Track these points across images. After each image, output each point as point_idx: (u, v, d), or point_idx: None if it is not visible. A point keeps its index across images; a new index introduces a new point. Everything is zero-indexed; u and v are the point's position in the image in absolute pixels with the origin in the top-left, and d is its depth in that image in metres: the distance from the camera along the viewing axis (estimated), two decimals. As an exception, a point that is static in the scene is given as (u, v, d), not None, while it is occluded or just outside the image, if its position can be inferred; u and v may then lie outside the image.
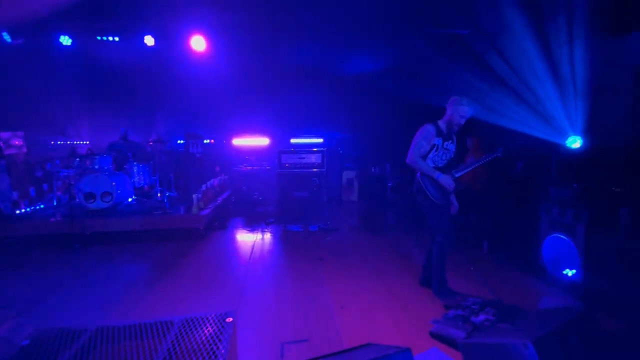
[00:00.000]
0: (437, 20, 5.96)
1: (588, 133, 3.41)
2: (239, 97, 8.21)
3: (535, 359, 1.58)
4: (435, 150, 2.79)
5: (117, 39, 5.55)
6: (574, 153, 3.41)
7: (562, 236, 3.00)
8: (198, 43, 5.64)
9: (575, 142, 3.37)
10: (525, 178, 4.78)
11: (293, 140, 8.35)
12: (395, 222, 5.86)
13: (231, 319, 1.76)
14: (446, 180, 2.75)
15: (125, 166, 5.57)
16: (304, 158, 5.25)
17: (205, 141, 8.49)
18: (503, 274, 3.44)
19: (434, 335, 2.27)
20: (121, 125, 5.99)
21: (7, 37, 5.37)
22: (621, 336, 2.32)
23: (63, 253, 4.10)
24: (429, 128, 2.79)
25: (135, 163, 5.60)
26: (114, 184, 4.89)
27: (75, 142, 6.52)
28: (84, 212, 4.73)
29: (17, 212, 4.87)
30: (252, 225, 5.57)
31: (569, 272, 2.94)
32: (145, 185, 5.79)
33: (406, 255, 4.00)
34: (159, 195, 5.55)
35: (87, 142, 7.09)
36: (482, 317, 2.35)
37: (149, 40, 5.57)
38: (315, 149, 5.39)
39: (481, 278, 3.27)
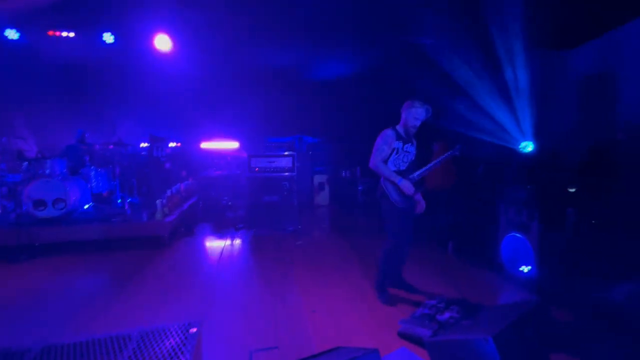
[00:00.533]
0: (404, 29, 6.18)
1: (538, 139, 3.68)
2: (208, 100, 8.00)
3: (494, 352, 1.65)
4: (396, 154, 2.88)
5: (72, 34, 5.19)
6: (527, 157, 3.67)
7: (518, 235, 3.19)
8: (162, 42, 5.43)
9: (527, 147, 3.62)
10: (486, 180, 5.06)
11: (263, 144, 8.25)
12: (365, 226, 5.95)
13: (195, 329, 1.69)
14: (405, 185, 2.81)
15: (81, 170, 5.21)
16: (274, 162, 5.20)
17: (171, 144, 8.18)
18: (466, 272, 3.59)
19: (402, 335, 2.32)
20: (78, 126, 5.61)
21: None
22: (570, 326, 2.50)
23: (9, 266, 3.74)
24: (388, 132, 2.89)
25: (92, 167, 5.25)
26: (68, 189, 4.55)
27: (23, 145, 6.00)
28: (32, 221, 4.35)
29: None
30: (220, 231, 5.41)
31: (525, 269, 3.14)
32: (104, 191, 5.45)
33: (373, 256, 4.06)
34: (119, 201, 5.23)
35: (40, 145, 6.56)
36: (447, 315, 2.43)
37: (108, 38, 5.28)
38: (285, 153, 5.36)
39: (447, 277, 3.40)
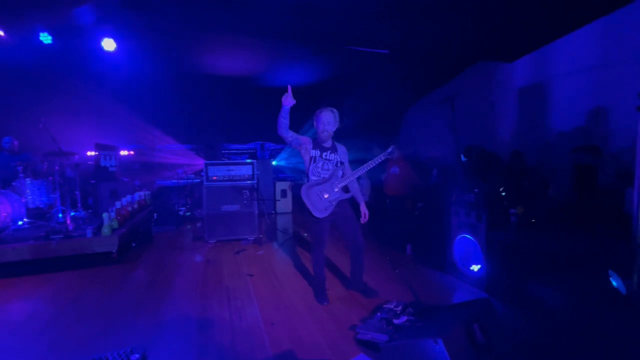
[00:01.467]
0: (361, 38, 6.36)
1: (482, 144, 3.94)
2: (165, 107, 7.64)
3: (444, 353, 1.71)
4: (314, 162, 2.94)
5: (1, 33, 4.70)
6: (473, 162, 3.92)
7: (468, 236, 3.38)
8: (108, 44, 5.09)
9: (467, 154, 3.86)
10: (440, 184, 5.32)
11: (224, 151, 8.04)
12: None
13: (138, 356, 1.57)
14: (321, 192, 2.85)
15: (13, 183, 4.70)
16: (233, 170, 5.06)
17: (122, 153, 7.68)
18: (423, 274, 3.72)
19: (360, 342, 2.33)
20: (6, 134, 5.06)
21: None
22: (514, 319, 2.67)
23: None
24: (306, 139, 2.98)
25: (27, 179, 4.76)
26: (-4, 205, 4.07)
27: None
28: (-48, 242, 3.83)
29: None
30: (177, 243, 5.15)
31: (475, 268, 3.32)
32: (42, 205, 4.95)
33: (336, 264, 4.08)
34: (60, 216, 4.78)
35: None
36: (403, 318, 2.49)
37: (45, 38, 4.84)
38: (246, 161, 5.25)
39: (405, 280, 3.49)
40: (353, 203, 3.11)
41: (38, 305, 3.10)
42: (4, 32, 4.67)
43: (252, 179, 5.14)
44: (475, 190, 3.49)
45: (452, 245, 3.58)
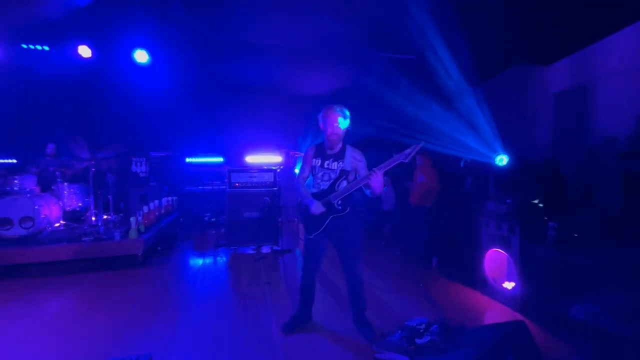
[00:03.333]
0: (388, 44, 6.27)
1: (516, 151, 3.68)
2: (192, 114, 7.90)
3: (471, 381, 1.54)
4: (314, 172, 2.56)
5: (46, 48, 5.08)
6: (506, 170, 3.65)
7: (500, 249, 3.12)
8: (141, 56, 5.36)
9: (502, 160, 3.61)
10: (473, 194, 5.03)
11: (248, 158, 8.15)
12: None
13: (145, 363, 1.53)
14: (314, 206, 2.43)
15: (52, 187, 5.00)
16: (255, 177, 5.08)
17: (152, 159, 7.99)
18: (450, 290, 3.49)
19: (379, 361, 2.18)
20: (52, 141, 5.42)
21: None
22: (552, 346, 2.40)
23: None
24: (308, 149, 2.64)
25: (65, 183, 5.05)
26: (36, 207, 4.33)
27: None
28: (-3, 241, 4.11)
29: None
30: (200, 249, 5.22)
31: (508, 285, 3.05)
32: (78, 209, 5.22)
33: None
34: (93, 219, 5.01)
35: (14, 161, 6.32)
36: (426, 337, 2.31)
37: (85, 52, 5.17)
38: (271, 167, 5.26)
39: (430, 295, 3.28)
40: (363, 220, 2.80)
41: (65, 304, 3.21)
42: (49, 47, 5.04)
43: (274, 185, 5.14)
44: (508, 200, 3.25)
45: (482, 260, 3.33)
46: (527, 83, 6.05)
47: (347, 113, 2.58)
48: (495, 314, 2.98)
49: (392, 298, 3.16)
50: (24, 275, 3.90)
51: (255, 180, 5.08)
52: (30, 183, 4.71)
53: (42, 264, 4.05)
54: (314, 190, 2.55)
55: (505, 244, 3.06)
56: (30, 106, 6.06)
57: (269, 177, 5.13)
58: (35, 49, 5.11)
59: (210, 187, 7.45)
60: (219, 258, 4.69)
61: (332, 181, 2.49)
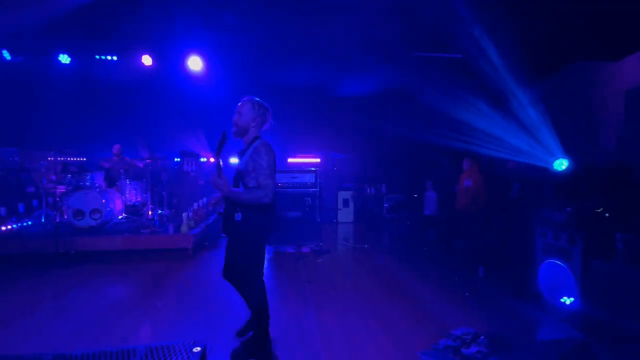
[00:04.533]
0: (433, 44, 6.09)
1: (578, 155, 3.37)
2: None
3: (525, 398, 1.45)
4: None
5: (115, 58, 5.66)
6: (566, 175, 3.36)
7: (557, 262, 2.89)
8: (195, 63, 5.74)
9: (562, 165, 3.32)
10: (521, 200, 4.70)
11: (290, 160, 8.34)
12: (390, 245, 5.73)
13: (199, 349, 1.64)
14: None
15: (117, 183, 5.52)
16: (297, 177, 5.20)
17: (201, 159, 8.49)
18: (499, 300, 3.29)
19: (422, 368, 2.13)
20: (116, 141, 6.00)
21: (6, 54, 5.47)
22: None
23: (45, 273, 3.97)
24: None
25: (127, 180, 5.55)
26: (103, 201, 4.82)
27: (69, 159, 6.52)
28: (71, 230, 4.64)
29: (3, 228, 4.77)
30: (243, 245, 5.44)
31: (567, 300, 2.81)
32: (137, 203, 5.72)
33: (397, 280, 3.86)
34: (150, 213, 5.45)
35: (84, 159, 7.09)
36: (473, 348, 2.21)
37: (147, 60, 5.68)
38: (311, 169, 5.36)
39: (476, 305, 3.13)
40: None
41: (125, 291, 3.53)
42: (117, 57, 5.61)
43: (315, 186, 5.21)
44: (568, 208, 2.99)
45: (536, 272, 3.10)
46: (593, 80, 5.50)
47: (258, 104, 2.26)
48: (551, 330, 2.76)
49: (436, 306, 3.06)
50: (90, 262, 4.35)
51: (296, 180, 5.20)
52: (99, 179, 5.24)
53: (106, 252, 4.49)
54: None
55: (564, 256, 2.82)
56: (99, 110, 6.76)
57: (310, 178, 5.22)
58: (106, 59, 5.71)
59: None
60: (261, 255, 4.86)
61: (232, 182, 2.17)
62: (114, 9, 4.68)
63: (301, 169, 5.32)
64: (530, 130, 4.23)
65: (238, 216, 2.10)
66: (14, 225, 4.94)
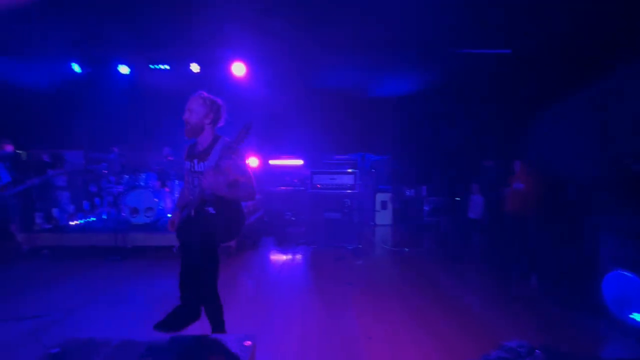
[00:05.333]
0: (476, 40, 5.81)
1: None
2: (275, 119, 8.50)
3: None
4: (185, 178, 2.13)
5: (167, 67, 6.09)
6: (636, 177, 3.03)
7: (627, 273, 2.61)
8: (238, 69, 6.00)
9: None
10: (579, 204, 4.32)
11: (327, 161, 8.38)
12: (430, 248, 5.54)
13: (250, 343, 1.71)
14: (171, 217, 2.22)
15: (167, 183, 5.91)
16: (335, 179, 5.22)
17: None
18: (555, 312, 3.05)
19: (472, 379, 2.03)
20: (166, 144, 6.43)
21: (76, 67, 6.11)
22: None
23: (106, 264, 4.35)
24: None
25: (177, 181, 5.92)
26: (156, 200, 5.18)
27: (126, 160, 7.11)
28: (128, 226, 5.04)
29: (72, 223, 5.31)
30: (282, 245, 5.56)
31: (638, 316, 2.53)
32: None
33: (442, 286, 3.72)
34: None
35: (139, 161, 7.68)
36: (529, 362, 2.06)
37: (195, 68, 6.03)
38: (348, 170, 5.35)
39: (528, 316, 2.92)
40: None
41: (173, 284, 3.75)
42: (169, 66, 6.04)
43: (353, 188, 5.20)
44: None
45: (600, 283, 2.83)
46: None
47: (210, 100, 2.05)
48: (618, 348, 2.50)
49: (484, 315, 2.91)
50: (144, 257, 4.68)
51: (335, 182, 5.22)
52: (152, 179, 5.64)
53: (158, 248, 4.82)
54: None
55: (635, 267, 2.54)
56: (151, 116, 7.30)
57: (349, 180, 5.21)
58: (159, 68, 6.17)
59: (291, 188, 7.88)
60: (299, 255, 4.94)
61: (197, 188, 1.96)
62: (166, 20, 5.04)
63: (340, 170, 5.33)
64: (593, 128, 3.88)
65: (211, 210, 1.95)
66: (81, 221, 5.48)
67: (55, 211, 5.21)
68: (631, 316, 2.58)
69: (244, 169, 1.97)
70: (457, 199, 7.43)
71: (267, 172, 8.90)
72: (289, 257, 4.85)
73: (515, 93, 5.66)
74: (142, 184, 5.44)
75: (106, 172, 5.78)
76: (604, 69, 5.07)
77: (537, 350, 2.23)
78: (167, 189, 5.79)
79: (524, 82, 5.56)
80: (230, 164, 1.89)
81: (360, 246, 5.13)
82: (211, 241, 2.01)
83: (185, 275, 2.19)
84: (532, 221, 4.12)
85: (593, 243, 3.02)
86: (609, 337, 2.63)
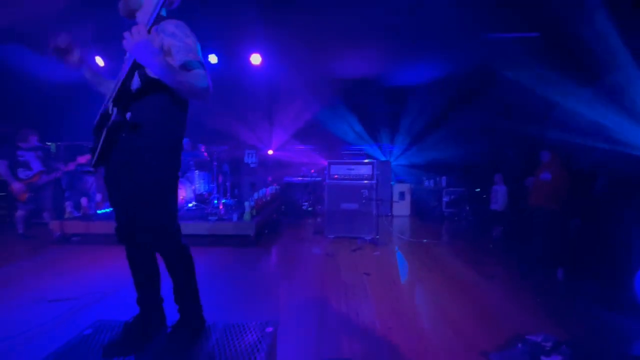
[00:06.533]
0: (501, 24, 5.54)
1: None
2: (294, 110, 8.50)
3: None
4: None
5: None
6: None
7: (663, 268, 2.48)
8: (255, 58, 5.99)
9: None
10: (609, 196, 4.11)
11: (343, 152, 8.34)
12: (450, 241, 5.44)
13: (271, 329, 1.73)
14: None
15: (187, 174, 6.04)
16: (353, 169, 5.18)
17: (259, 152, 8.90)
18: (582, 307, 2.94)
19: (495, 373, 2.00)
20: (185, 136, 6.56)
21: (100, 60, 6.26)
22: None
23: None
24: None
25: (196, 171, 6.04)
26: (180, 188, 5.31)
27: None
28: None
29: (99, 212, 5.54)
30: (300, 235, 5.61)
31: (675, 314, 2.40)
32: (205, 192, 6.20)
33: (462, 278, 3.66)
34: (215, 202, 5.88)
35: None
36: (555, 358, 2.01)
37: (213, 59, 6.06)
38: (365, 161, 5.29)
39: (553, 310, 2.83)
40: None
41: (197, 272, 3.86)
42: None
43: (371, 178, 5.15)
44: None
45: (633, 278, 2.70)
46: None
47: None
48: (652, 347, 2.39)
49: (507, 308, 2.84)
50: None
51: (353, 172, 5.18)
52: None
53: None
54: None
55: (673, 262, 2.41)
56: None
57: (367, 170, 5.16)
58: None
59: (308, 178, 7.90)
60: (316, 246, 4.96)
61: (123, 77, 1.40)
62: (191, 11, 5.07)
63: (359, 161, 5.28)
64: (629, 113, 3.65)
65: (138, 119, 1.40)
66: (108, 209, 5.70)
67: (83, 200, 5.44)
68: (667, 313, 2.45)
69: (193, 49, 1.38)
70: (477, 190, 7.24)
71: (285, 162, 8.96)
72: (307, 246, 4.89)
73: (542, 78, 5.39)
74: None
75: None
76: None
77: (563, 346, 2.17)
78: (186, 179, 5.92)
79: (549, 67, 5.28)
80: (169, 45, 1.34)
81: (378, 237, 5.10)
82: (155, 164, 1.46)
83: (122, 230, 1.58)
84: (560, 214, 3.95)
85: (626, 237, 2.88)
86: (639, 335, 2.52)
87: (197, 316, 1.72)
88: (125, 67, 1.38)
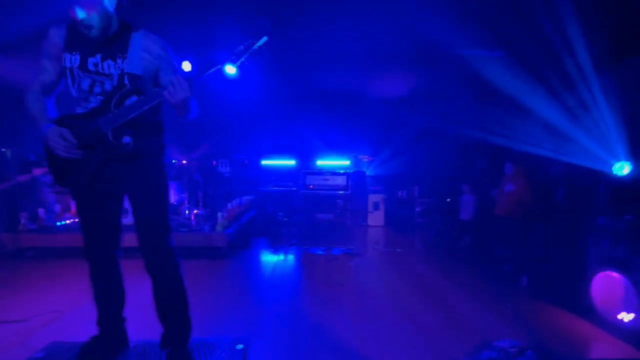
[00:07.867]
0: (466, 42, 5.87)
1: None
2: (267, 119, 8.48)
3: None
4: (69, 80, 1.54)
5: (158, 65, 5.98)
6: (624, 180, 3.09)
7: (615, 273, 2.66)
8: (230, 68, 5.93)
9: (623, 169, 3.05)
10: (569, 207, 4.39)
11: (319, 162, 8.38)
12: (422, 250, 5.57)
13: (242, 346, 1.67)
14: (51, 133, 1.52)
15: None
16: (328, 180, 5.22)
17: (233, 161, 8.76)
18: (544, 313, 3.08)
19: (464, 381, 2.03)
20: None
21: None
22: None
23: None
24: (50, 31, 1.56)
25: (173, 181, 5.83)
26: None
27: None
28: (117, 227, 4.93)
29: (58, 224, 5.17)
30: (275, 246, 5.52)
31: (626, 317, 2.57)
32: (176, 202, 5.98)
33: (433, 287, 3.74)
34: (186, 212, 5.68)
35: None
36: (520, 362, 2.08)
37: (186, 66, 5.94)
38: (340, 171, 5.35)
39: (518, 316, 2.95)
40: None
41: (167, 285, 3.68)
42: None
43: (346, 189, 5.19)
44: (627, 216, 2.75)
45: (588, 283, 2.88)
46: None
47: None
48: (607, 348, 2.54)
49: (474, 315, 2.93)
50: (133, 257, 4.58)
51: (328, 183, 5.21)
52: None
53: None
54: (79, 111, 1.54)
55: (622, 268, 2.59)
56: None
57: (342, 181, 5.21)
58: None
59: (283, 188, 7.85)
60: (291, 256, 4.90)
61: (107, 95, 1.46)
62: (159, 19, 4.96)
63: (333, 171, 5.33)
64: (587, 128, 3.94)
65: (132, 141, 1.50)
66: (67, 221, 5.34)
67: (40, 211, 5.07)
68: (619, 317, 2.62)
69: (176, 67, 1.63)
70: (447, 200, 7.48)
71: (259, 172, 8.86)
72: (281, 257, 4.81)
73: (505, 94, 5.72)
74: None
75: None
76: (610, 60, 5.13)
77: (528, 351, 2.25)
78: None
79: (512, 84, 5.63)
80: (157, 63, 1.52)
81: (353, 247, 5.12)
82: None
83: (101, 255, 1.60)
84: (523, 222, 4.16)
85: (583, 245, 3.07)
86: (598, 337, 2.66)
87: (188, 339, 1.78)
88: (145, 103, 1.47)
